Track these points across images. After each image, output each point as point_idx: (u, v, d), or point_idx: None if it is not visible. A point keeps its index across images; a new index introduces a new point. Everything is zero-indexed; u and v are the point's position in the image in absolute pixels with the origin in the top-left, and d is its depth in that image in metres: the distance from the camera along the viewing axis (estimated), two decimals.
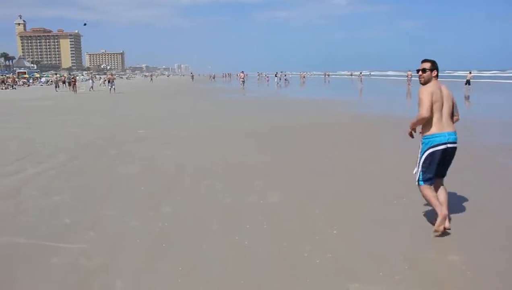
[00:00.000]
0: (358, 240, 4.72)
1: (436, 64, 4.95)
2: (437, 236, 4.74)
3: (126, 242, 4.75)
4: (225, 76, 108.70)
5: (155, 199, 6.28)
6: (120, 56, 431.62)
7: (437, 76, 4.94)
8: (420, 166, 4.92)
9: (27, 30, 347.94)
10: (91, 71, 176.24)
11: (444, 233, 4.75)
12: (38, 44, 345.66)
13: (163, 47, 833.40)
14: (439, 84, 4.92)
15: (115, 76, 50.58)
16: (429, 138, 4.82)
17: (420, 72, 4.94)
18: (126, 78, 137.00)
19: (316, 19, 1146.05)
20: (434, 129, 4.79)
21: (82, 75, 72.50)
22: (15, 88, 58.36)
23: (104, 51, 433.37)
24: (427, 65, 4.91)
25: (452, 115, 4.93)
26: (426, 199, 4.98)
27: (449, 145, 4.79)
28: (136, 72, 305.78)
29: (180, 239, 4.81)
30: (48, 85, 63.20)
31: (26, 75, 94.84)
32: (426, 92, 4.77)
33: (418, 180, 4.97)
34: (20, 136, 12.69)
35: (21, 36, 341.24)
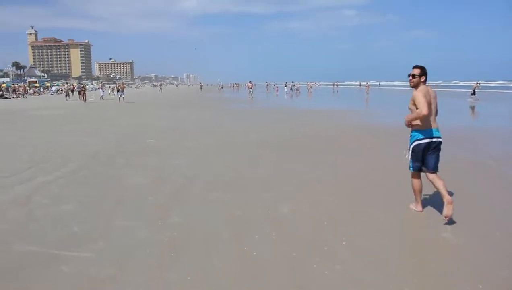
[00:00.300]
0: (367, 251, 4.71)
1: (425, 70, 5.67)
2: (446, 223, 5.32)
3: (135, 252, 4.77)
4: (233, 86, 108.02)
5: (164, 209, 6.31)
6: (129, 65, 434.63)
7: (425, 80, 5.65)
8: (410, 154, 5.84)
9: (38, 40, 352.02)
10: (100, 80, 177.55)
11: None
12: (49, 53, 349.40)
13: (172, 57, 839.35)
14: (427, 87, 5.63)
15: (125, 85, 51.02)
16: (418, 131, 5.67)
17: (411, 77, 5.67)
18: (135, 87, 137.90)
19: (327, 30, 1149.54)
20: (422, 125, 5.60)
21: (92, 84, 73.08)
22: (25, 97, 58.93)
23: (113, 60, 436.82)
24: (416, 71, 5.64)
25: (436, 113, 5.69)
26: (412, 185, 6.02)
27: (433, 139, 5.62)
28: (145, 81, 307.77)
29: (189, 249, 4.83)
30: (58, 94, 63.75)
31: (37, 84, 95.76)
32: (421, 94, 5.45)
33: (409, 167, 5.94)
34: (31, 145, 12.81)
35: (32, 46, 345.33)
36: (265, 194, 7.06)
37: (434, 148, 5.65)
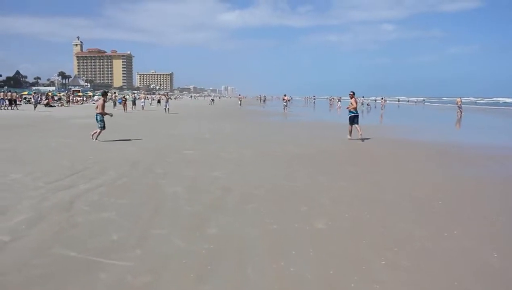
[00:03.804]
0: (407, 272, 4.58)
1: (353, 92, 18.22)
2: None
3: (172, 262, 4.79)
4: (260, 99, 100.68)
5: (201, 220, 6.33)
6: (169, 76, 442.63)
7: (353, 95, 18.12)
8: (348, 120, 17.88)
9: (83, 51, 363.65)
10: (141, 91, 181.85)
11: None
12: (93, 64, 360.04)
13: (211, 69, 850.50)
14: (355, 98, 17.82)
15: (169, 96, 52.00)
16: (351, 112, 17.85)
17: (351, 94, 18.25)
18: (174, 98, 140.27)
19: (365, 43, 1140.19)
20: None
21: (133, 94, 75.11)
22: (69, 106, 60.85)
23: (154, 71, 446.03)
24: (351, 93, 18.24)
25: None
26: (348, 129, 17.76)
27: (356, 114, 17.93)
28: (184, 92, 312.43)
29: (226, 262, 4.81)
30: None
31: (80, 93, 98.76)
32: (354, 100, 17.91)
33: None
34: (74, 152, 13.16)
35: (77, 56, 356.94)
36: (301, 208, 6.99)
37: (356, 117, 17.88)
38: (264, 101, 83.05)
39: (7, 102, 46.18)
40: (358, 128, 17.51)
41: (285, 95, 51.63)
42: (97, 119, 16.14)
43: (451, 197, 8.00)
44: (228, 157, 12.44)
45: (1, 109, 44.38)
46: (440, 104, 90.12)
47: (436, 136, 20.78)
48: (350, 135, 17.89)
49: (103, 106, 16.12)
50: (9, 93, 51.15)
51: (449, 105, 77.47)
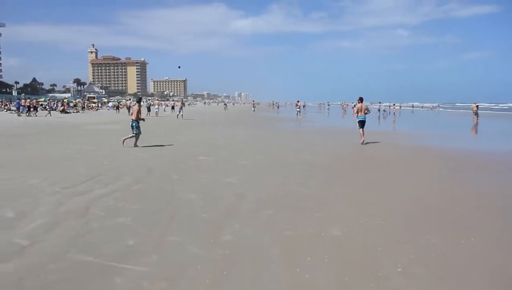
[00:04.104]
0: (423, 280, 4.53)
1: (361, 98, 18.86)
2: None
3: (187, 268, 4.80)
4: (273, 105, 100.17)
5: (216, 226, 6.34)
6: (182, 83, 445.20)
7: (360, 101, 18.71)
8: (357, 124, 18.66)
9: (98, 58, 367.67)
10: (155, 97, 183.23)
11: None
12: (107, 70, 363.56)
13: (224, 75, 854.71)
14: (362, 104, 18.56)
15: (184, 103, 52.34)
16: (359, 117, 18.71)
17: (359, 100, 18.75)
18: (188, 104, 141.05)
19: (379, 49, 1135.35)
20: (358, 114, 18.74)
21: (148, 101, 76.05)
22: (84, 112, 61.50)
23: (167, 78, 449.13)
24: (359, 99, 18.83)
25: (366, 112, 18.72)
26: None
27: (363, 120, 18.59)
28: (198, 99, 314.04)
29: (241, 268, 4.81)
30: (114, 109, 66.11)
31: (95, 100, 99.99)
32: (360, 105, 18.68)
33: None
34: (89, 158, 13.30)
35: (92, 63, 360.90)
36: (316, 214, 6.97)
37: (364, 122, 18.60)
38: (278, 107, 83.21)
39: (26, 108, 46.90)
40: (362, 133, 18.25)
41: (298, 101, 51.75)
42: (132, 126, 16.17)
43: (468, 204, 7.92)
44: (242, 163, 12.46)
45: (20, 116, 45.06)
46: (454, 110, 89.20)
47: (453, 143, 20.58)
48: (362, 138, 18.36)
49: (138, 112, 16.14)
50: (28, 100, 52.04)
51: (462, 111, 76.75)
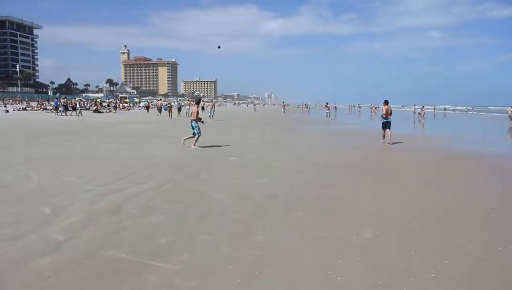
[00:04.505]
0: (458, 286, 4.43)
1: (386, 100, 19.85)
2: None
3: (218, 267, 4.83)
4: (302, 107, 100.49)
5: (247, 227, 6.36)
6: (213, 84, 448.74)
7: (386, 103, 19.65)
8: (381, 126, 19.19)
9: (130, 59, 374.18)
10: (185, 98, 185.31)
11: None
12: (139, 71, 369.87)
13: (254, 76, 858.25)
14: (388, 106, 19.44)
15: (215, 103, 52.90)
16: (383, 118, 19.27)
17: (385, 102, 19.76)
18: (218, 105, 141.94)
19: (411, 51, 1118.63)
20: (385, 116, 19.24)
21: (179, 101, 77.17)
22: (116, 112, 62.70)
23: (198, 79, 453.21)
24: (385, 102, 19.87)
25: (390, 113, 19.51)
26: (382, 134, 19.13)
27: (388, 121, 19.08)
28: (228, 99, 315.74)
29: (272, 269, 4.81)
30: (145, 109, 67.21)
31: (127, 100, 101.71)
32: (386, 108, 19.46)
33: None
34: (121, 157, 13.55)
35: (124, 64, 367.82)
36: (348, 217, 6.92)
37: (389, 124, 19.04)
38: (308, 108, 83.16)
39: (64, 107, 48.11)
40: (389, 134, 19.24)
41: (327, 103, 51.54)
42: (192, 126, 16.29)
43: (506, 210, 7.71)
44: (273, 165, 12.44)
45: (59, 115, 46.29)
46: (488, 114, 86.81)
47: (489, 147, 20.06)
48: (383, 139, 19.43)
49: (197, 113, 16.26)
50: (66, 100, 53.50)
51: (496, 114, 74.75)
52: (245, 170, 11.45)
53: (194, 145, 16.14)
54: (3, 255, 5.11)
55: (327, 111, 48.33)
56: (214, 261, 5.01)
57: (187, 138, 16.47)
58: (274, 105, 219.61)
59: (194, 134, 16.22)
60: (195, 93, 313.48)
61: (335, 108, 71.58)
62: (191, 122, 16.39)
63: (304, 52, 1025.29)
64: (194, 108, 16.67)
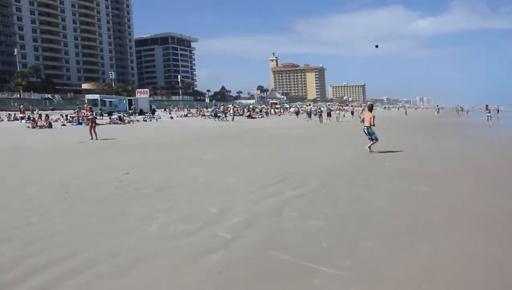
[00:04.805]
0: None
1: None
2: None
3: (383, 275, 4.71)
4: (457, 110, 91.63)
5: (409, 235, 6.10)
6: (361, 88, 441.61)
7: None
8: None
9: (278, 66, 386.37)
10: (334, 103, 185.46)
11: None
12: (287, 77, 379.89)
13: (404, 79, 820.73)
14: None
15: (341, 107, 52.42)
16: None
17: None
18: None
19: None
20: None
21: (328, 106, 77.69)
22: (268, 117, 65.33)
23: (346, 83, 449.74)
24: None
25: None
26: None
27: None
28: (377, 104, 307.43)
29: (441, 282, 4.54)
30: (295, 114, 68.92)
31: (278, 106, 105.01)
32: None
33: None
34: (276, 161, 14.03)
35: (273, 71, 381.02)
36: None
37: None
38: (467, 112, 77.64)
39: (222, 114, 52.20)
40: None
41: (487, 105, 47.63)
42: (368, 132, 16.08)
43: None
44: (433, 171, 11.63)
45: (216, 120, 50.16)
46: None
47: None
48: None
49: (371, 119, 16.03)
50: (223, 106, 57.65)
51: None
52: (403, 176, 10.78)
53: (370, 148, 15.90)
54: (183, 248, 5.63)
55: (488, 114, 44.57)
56: (377, 268, 4.90)
57: (370, 145, 16.02)
58: (426, 108, 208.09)
59: (371, 139, 15.95)
60: (344, 98, 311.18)
61: (497, 110, 65.39)
62: (365, 128, 16.08)
63: (458, 51, 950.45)
64: (368, 114, 16.26)
